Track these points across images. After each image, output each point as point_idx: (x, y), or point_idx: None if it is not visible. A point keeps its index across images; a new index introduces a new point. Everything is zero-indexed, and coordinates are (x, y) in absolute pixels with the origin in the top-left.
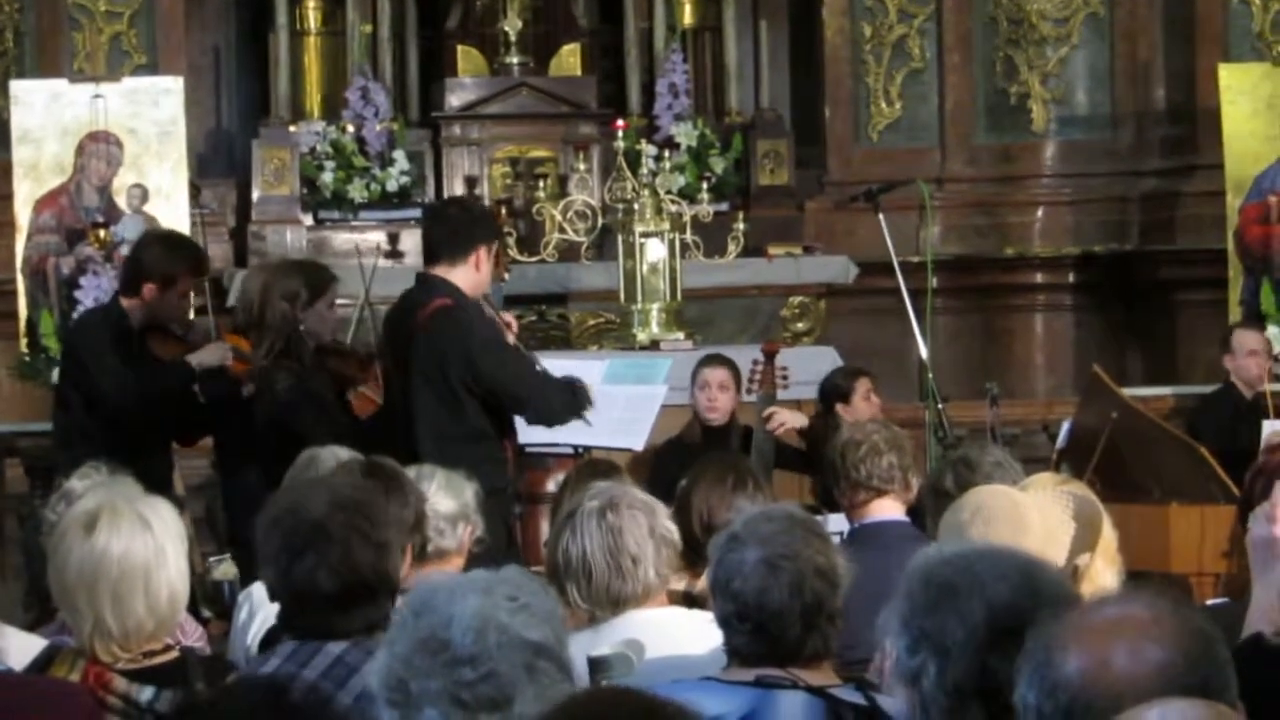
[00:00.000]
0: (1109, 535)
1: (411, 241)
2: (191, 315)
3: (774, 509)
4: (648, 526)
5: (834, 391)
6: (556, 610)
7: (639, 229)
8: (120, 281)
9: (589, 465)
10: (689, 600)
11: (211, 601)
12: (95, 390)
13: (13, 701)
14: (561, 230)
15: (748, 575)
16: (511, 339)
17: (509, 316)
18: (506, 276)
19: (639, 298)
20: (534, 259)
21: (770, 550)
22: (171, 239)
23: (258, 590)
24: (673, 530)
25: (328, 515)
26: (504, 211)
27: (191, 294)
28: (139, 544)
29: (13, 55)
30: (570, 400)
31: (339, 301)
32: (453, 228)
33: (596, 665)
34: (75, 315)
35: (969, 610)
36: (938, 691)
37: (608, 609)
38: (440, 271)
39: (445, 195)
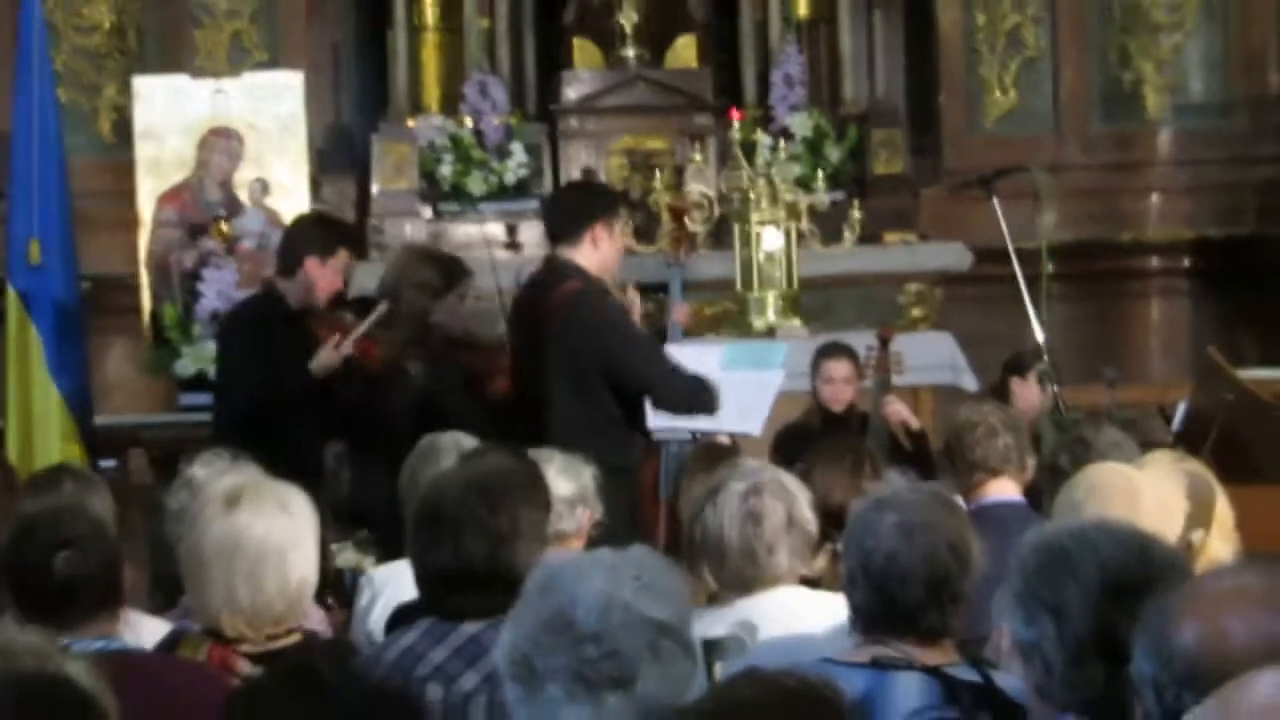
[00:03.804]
0: (1224, 512)
1: (530, 233)
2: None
3: (923, 484)
4: (786, 516)
5: (1015, 366)
6: (682, 590)
7: (755, 218)
8: (277, 263)
9: (706, 449)
10: (803, 583)
11: (333, 588)
12: (224, 394)
13: (149, 678)
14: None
15: (881, 536)
16: (636, 318)
17: (634, 294)
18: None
19: (755, 285)
20: (652, 249)
21: (908, 516)
22: (328, 216)
23: (379, 575)
24: (811, 520)
25: (455, 499)
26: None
27: (344, 273)
28: (279, 525)
29: (135, 53)
30: (698, 393)
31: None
32: (567, 206)
33: (710, 647)
34: (200, 305)
35: (1083, 571)
36: (1057, 651)
37: (735, 591)
38: (562, 252)
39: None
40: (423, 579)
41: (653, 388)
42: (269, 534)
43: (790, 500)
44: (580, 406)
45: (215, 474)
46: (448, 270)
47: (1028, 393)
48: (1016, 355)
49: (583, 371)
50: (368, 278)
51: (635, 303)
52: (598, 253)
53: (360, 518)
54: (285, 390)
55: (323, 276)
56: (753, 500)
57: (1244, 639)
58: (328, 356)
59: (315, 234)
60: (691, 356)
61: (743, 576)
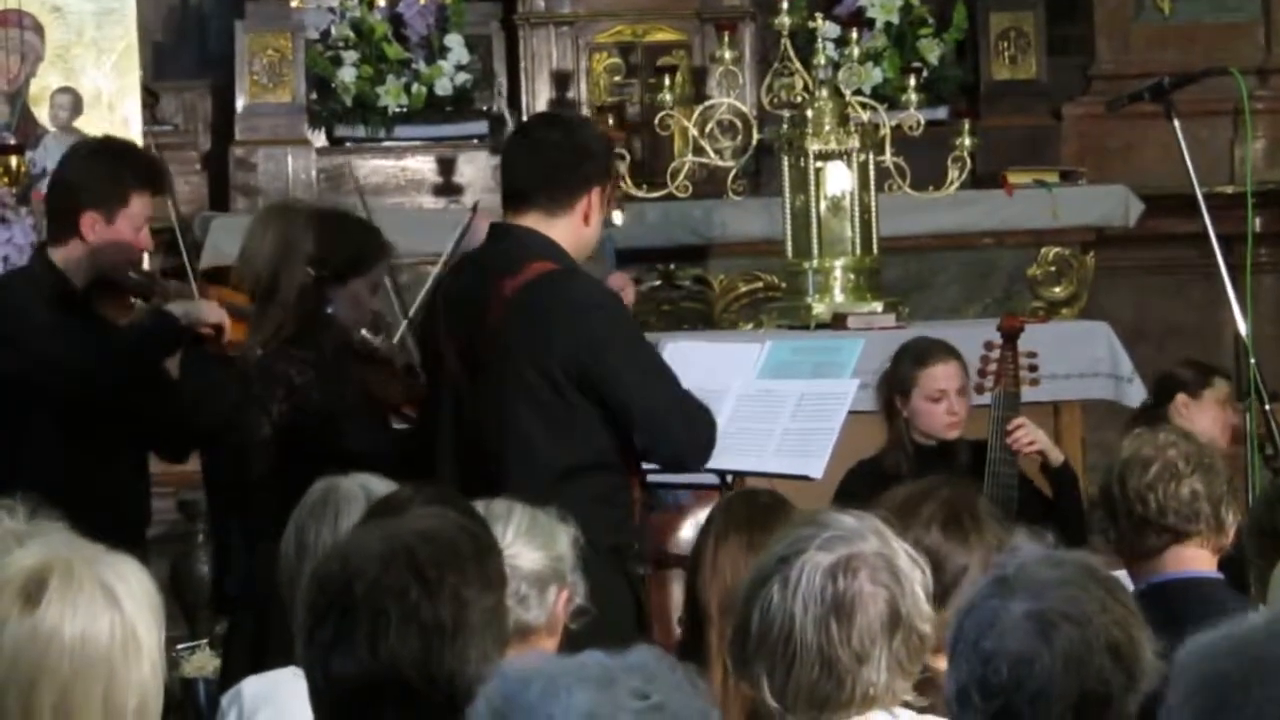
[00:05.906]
0: None
1: (474, 171)
2: (145, 262)
3: (1066, 554)
4: (889, 608)
5: (1175, 383)
6: (708, 715)
7: (814, 147)
8: (48, 225)
9: (743, 501)
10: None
11: (178, 711)
12: (32, 384)
13: None
14: (698, 151)
15: (1007, 633)
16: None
17: (623, 278)
18: (619, 219)
19: (814, 251)
20: (657, 194)
21: (1047, 604)
22: (109, 147)
23: (250, 690)
24: (927, 616)
25: (371, 576)
26: (611, 124)
27: (147, 227)
28: (105, 625)
29: None
30: (711, 433)
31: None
32: (555, 160)
33: None
34: None
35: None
36: None
37: (803, 716)
38: (532, 223)
39: (525, 101)
40: (323, 696)
41: (664, 425)
42: (90, 639)
43: (898, 584)
44: (551, 445)
45: (4, 540)
46: (358, 243)
47: (1214, 413)
48: (1176, 374)
49: (559, 387)
50: (227, 238)
51: (627, 287)
52: (585, 230)
53: (219, 600)
54: (104, 402)
55: (113, 238)
56: (844, 581)
57: None
58: (212, 311)
59: (93, 176)
60: (723, 358)
61: (818, 694)
